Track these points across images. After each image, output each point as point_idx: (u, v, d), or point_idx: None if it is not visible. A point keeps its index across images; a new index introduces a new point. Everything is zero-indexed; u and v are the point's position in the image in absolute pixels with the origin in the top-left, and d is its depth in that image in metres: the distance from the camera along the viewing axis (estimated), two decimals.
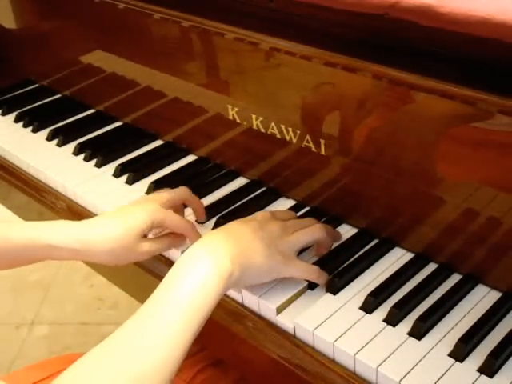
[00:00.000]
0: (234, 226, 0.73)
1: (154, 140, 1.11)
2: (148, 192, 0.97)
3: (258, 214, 0.78)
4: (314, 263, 0.80)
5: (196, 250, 0.67)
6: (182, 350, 0.60)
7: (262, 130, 0.90)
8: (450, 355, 0.68)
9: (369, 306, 0.74)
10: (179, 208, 0.87)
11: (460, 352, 0.68)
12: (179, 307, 0.61)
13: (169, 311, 0.61)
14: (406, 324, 0.72)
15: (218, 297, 0.64)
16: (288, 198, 0.94)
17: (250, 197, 0.95)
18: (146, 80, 1.08)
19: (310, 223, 0.81)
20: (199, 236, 0.83)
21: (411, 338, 0.70)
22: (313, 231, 0.79)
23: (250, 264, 0.69)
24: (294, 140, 0.87)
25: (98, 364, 0.58)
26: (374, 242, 0.85)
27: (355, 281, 0.79)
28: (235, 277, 0.67)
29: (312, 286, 0.78)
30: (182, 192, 0.87)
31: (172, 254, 0.86)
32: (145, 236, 0.80)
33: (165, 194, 0.84)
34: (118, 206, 0.83)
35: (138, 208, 0.80)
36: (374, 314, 0.74)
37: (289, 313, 0.74)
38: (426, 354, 0.69)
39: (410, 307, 0.74)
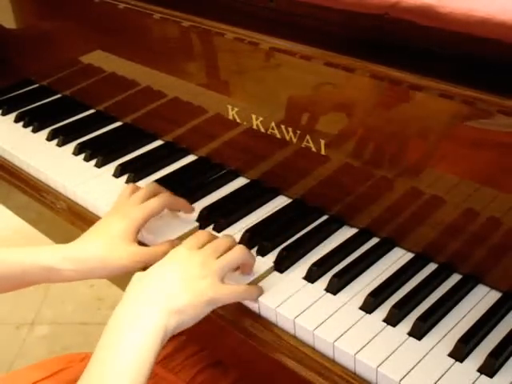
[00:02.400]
0: (154, 274, 0.71)
1: (153, 140, 1.11)
2: None
3: (174, 252, 0.75)
4: (313, 263, 0.80)
5: (124, 313, 0.67)
6: None
7: (262, 130, 0.90)
8: (450, 355, 0.68)
9: (369, 306, 0.74)
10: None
11: (460, 352, 0.68)
12: (119, 379, 0.62)
13: None
14: (406, 324, 0.72)
15: (156, 353, 0.64)
16: (288, 197, 0.94)
17: (250, 197, 0.95)
18: (146, 80, 1.08)
19: (226, 243, 0.77)
20: (184, 203, 0.89)
21: (411, 338, 0.70)
22: (234, 255, 0.75)
23: (182, 309, 0.68)
24: (294, 140, 0.87)
25: None
26: (374, 242, 0.85)
27: (355, 281, 0.79)
28: (171, 327, 0.66)
29: (311, 280, 0.79)
30: (151, 186, 0.88)
31: None
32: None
33: (136, 196, 0.85)
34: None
35: (117, 215, 0.83)
36: (374, 314, 0.74)
37: (289, 313, 0.74)
38: (426, 354, 0.69)
39: (410, 307, 0.74)
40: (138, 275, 0.71)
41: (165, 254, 0.77)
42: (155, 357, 0.64)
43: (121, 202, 0.86)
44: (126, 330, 0.65)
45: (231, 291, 0.73)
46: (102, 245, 0.79)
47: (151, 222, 0.87)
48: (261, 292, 0.77)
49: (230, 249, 0.76)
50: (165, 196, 0.86)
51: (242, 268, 0.79)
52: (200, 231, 0.80)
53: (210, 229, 0.89)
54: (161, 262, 0.73)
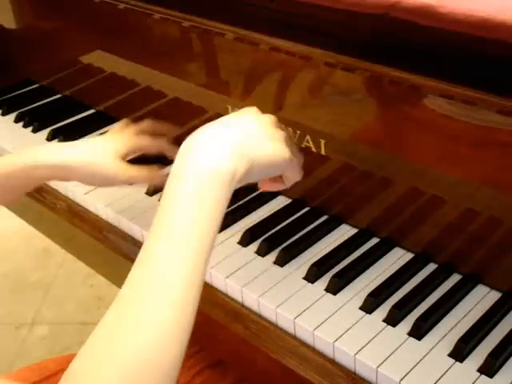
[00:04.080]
0: (226, 119, 0.66)
1: None
2: (147, 193, 0.98)
3: (246, 109, 0.71)
4: (313, 263, 0.80)
5: (189, 156, 0.59)
6: (199, 281, 0.54)
7: None
8: (450, 355, 0.68)
9: (369, 305, 0.74)
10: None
11: (460, 352, 0.68)
12: (187, 235, 0.54)
13: (178, 243, 0.54)
14: (406, 324, 0.72)
15: (225, 201, 0.58)
16: (288, 197, 0.94)
17: (249, 197, 0.95)
18: (146, 80, 1.08)
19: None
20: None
21: (411, 338, 0.70)
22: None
23: (254, 154, 0.62)
24: (294, 140, 0.87)
25: (111, 337, 0.53)
26: (374, 242, 0.85)
27: (355, 281, 0.79)
28: (239, 174, 0.59)
29: (311, 280, 0.79)
30: (147, 123, 0.93)
31: None
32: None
33: (132, 127, 0.91)
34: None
35: (114, 135, 0.89)
36: (374, 314, 0.74)
37: (289, 313, 0.74)
38: (426, 354, 0.69)
39: (410, 307, 0.74)
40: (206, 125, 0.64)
41: (150, 179, 0.87)
42: (223, 205, 0.57)
43: (117, 127, 0.92)
44: (188, 175, 0.57)
45: (298, 154, 0.69)
46: (95, 151, 0.83)
47: (148, 218, 0.87)
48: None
49: None
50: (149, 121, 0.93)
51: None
52: None
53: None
54: (233, 114, 0.68)
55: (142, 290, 0.54)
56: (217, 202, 0.57)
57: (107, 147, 0.84)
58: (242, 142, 0.62)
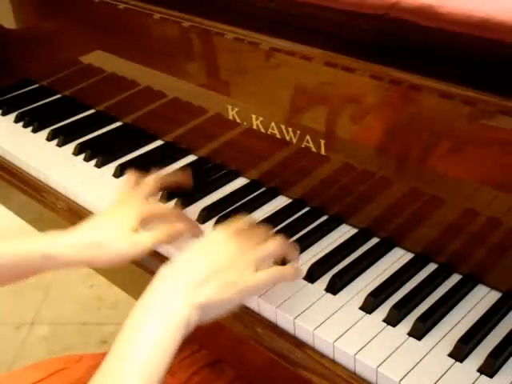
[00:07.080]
0: (187, 258, 0.70)
1: (154, 140, 1.11)
2: None
3: (210, 236, 0.73)
4: (313, 263, 0.80)
5: (149, 300, 0.66)
6: None
7: (262, 130, 0.90)
8: (450, 355, 0.68)
9: (369, 305, 0.74)
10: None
11: (460, 352, 0.68)
12: (137, 372, 0.61)
13: (128, 378, 0.60)
14: (406, 324, 0.72)
15: (175, 346, 0.63)
16: (288, 197, 0.94)
17: (250, 197, 0.95)
18: (146, 80, 1.08)
19: (265, 231, 0.75)
20: (190, 221, 0.86)
21: (411, 338, 0.70)
22: (273, 245, 0.72)
23: (207, 302, 0.66)
24: (294, 140, 0.87)
25: None
26: (374, 242, 0.85)
27: (355, 281, 0.79)
28: (193, 321, 0.65)
29: (311, 280, 0.79)
30: (151, 181, 0.89)
31: (172, 253, 0.85)
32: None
33: (142, 189, 0.86)
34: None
35: (123, 206, 0.83)
36: (374, 314, 0.74)
37: (289, 313, 0.74)
38: (426, 354, 0.69)
39: (410, 307, 0.74)
40: (172, 259, 0.69)
41: (168, 235, 0.80)
42: (174, 350, 0.63)
43: (125, 193, 0.86)
44: (148, 319, 0.64)
45: (265, 277, 0.70)
46: (105, 230, 0.79)
47: None
48: (299, 272, 0.75)
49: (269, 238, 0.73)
50: (176, 210, 0.89)
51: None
52: (240, 217, 0.77)
53: (210, 229, 0.89)
54: (196, 246, 0.72)
55: None
56: (167, 347, 0.63)
57: (119, 229, 0.79)
58: (195, 289, 0.66)
